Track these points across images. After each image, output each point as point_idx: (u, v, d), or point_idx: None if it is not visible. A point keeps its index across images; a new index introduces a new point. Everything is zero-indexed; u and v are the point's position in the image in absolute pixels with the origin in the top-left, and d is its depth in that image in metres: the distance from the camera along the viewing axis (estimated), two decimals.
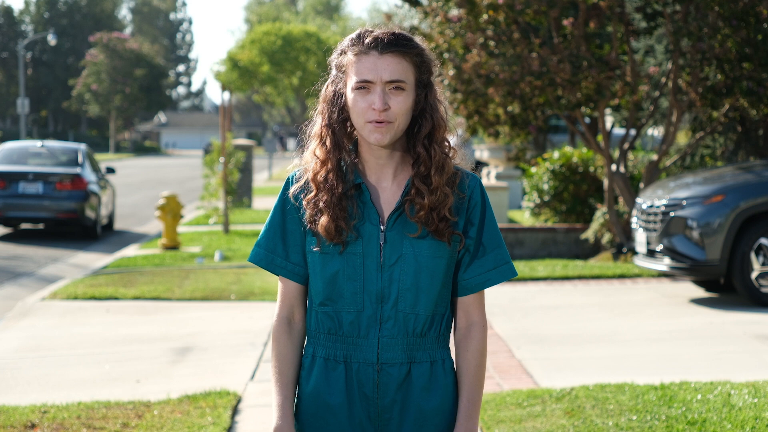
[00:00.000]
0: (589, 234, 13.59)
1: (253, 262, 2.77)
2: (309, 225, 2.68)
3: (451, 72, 12.82)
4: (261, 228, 2.77)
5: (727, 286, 10.51)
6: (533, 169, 16.11)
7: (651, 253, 10.39)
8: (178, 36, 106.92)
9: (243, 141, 25.63)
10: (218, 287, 11.56)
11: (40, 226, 18.88)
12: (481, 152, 25.54)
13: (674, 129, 12.81)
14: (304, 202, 2.69)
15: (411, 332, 2.66)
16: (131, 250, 16.00)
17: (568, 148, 16.27)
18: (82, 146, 19.12)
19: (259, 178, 41.16)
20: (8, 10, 79.87)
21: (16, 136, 58.69)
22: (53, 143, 19.60)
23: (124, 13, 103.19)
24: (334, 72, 2.70)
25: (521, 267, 12.27)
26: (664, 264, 10.17)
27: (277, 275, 2.75)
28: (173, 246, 15.69)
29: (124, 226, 20.81)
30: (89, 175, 18.01)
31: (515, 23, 12.37)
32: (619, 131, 21.58)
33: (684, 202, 10.05)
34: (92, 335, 9.22)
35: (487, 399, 6.31)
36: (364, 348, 2.66)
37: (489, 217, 2.71)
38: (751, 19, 11.68)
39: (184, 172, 45.22)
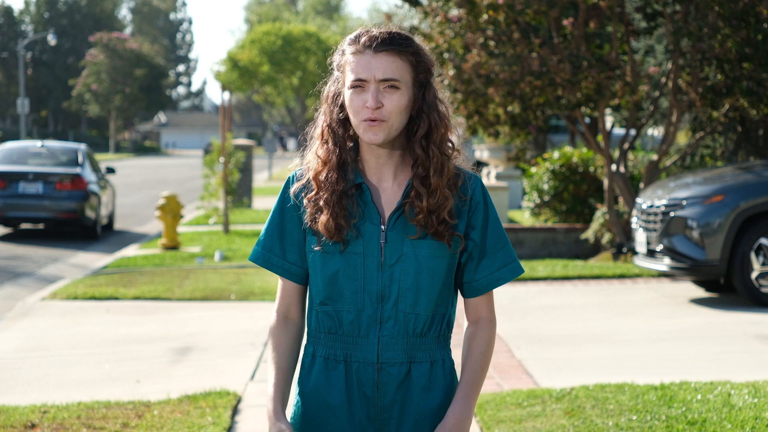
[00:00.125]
0: (589, 234, 13.59)
1: (251, 261, 2.79)
2: (309, 224, 2.69)
3: (451, 72, 12.82)
4: (261, 228, 2.78)
5: (727, 286, 10.51)
6: (533, 169, 16.11)
7: (651, 253, 10.40)
8: (178, 36, 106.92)
9: (243, 141, 25.63)
10: (218, 287, 11.56)
11: (40, 226, 18.88)
12: (481, 152, 25.53)
13: (674, 129, 12.81)
14: (305, 201, 2.70)
15: (411, 332, 2.67)
16: (131, 250, 16.00)
17: (568, 148, 16.27)
18: (82, 146, 19.12)
19: (259, 178, 41.17)
20: (8, 10, 79.88)
21: (16, 136, 58.70)
22: (53, 143, 19.60)
23: (124, 13, 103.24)
24: (335, 72, 2.71)
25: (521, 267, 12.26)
26: (664, 264, 10.17)
27: (275, 274, 2.76)
28: (173, 246, 15.69)
29: (124, 226, 20.81)
30: (89, 175, 18.01)
31: (515, 23, 12.37)
32: (619, 131, 21.58)
33: (684, 202, 10.05)
34: (92, 335, 9.22)
35: (487, 399, 6.31)
36: (364, 347, 2.67)
37: (493, 217, 2.72)
38: (751, 19, 11.69)
39: (184, 172, 45.23)
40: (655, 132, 23.08)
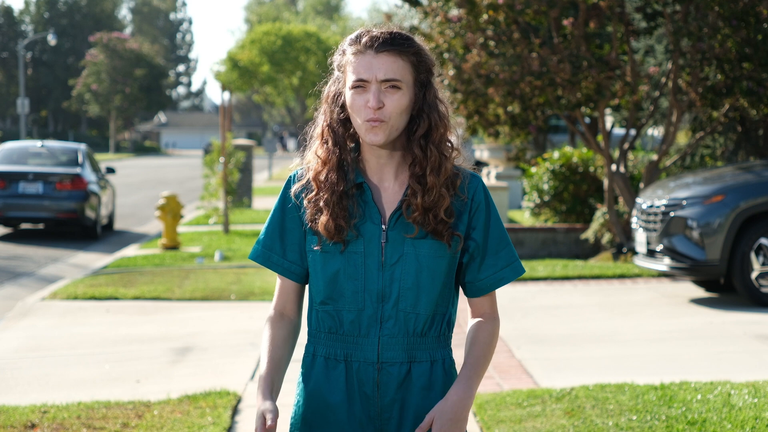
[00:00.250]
0: (589, 234, 13.59)
1: (251, 259, 2.80)
2: (309, 224, 2.69)
3: (451, 72, 12.82)
4: (261, 228, 2.78)
5: (727, 286, 10.51)
6: (533, 169, 16.11)
7: (651, 253, 10.40)
8: (178, 36, 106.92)
9: (243, 141, 25.63)
10: (218, 287, 11.56)
11: (40, 226, 18.88)
12: (481, 152, 25.53)
13: (674, 129, 12.81)
14: (305, 201, 2.70)
15: (411, 332, 2.67)
16: (131, 250, 16.00)
17: (568, 148, 16.27)
18: (82, 146, 19.12)
19: (259, 178, 41.17)
20: (8, 10, 79.88)
21: (16, 136, 58.69)
22: (53, 143, 19.60)
23: (124, 13, 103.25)
24: (336, 72, 2.72)
25: None
26: (664, 264, 10.18)
27: (274, 272, 2.76)
28: (173, 246, 15.69)
29: (124, 226, 20.81)
30: (89, 175, 18.01)
31: (515, 23, 12.37)
32: (619, 131, 21.58)
33: (684, 202, 10.05)
34: (92, 335, 9.22)
35: (487, 399, 6.31)
36: (365, 347, 2.67)
37: (494, 217, 2.73)
38: (751, 19, 11.69)
39: (184, 172, 45.23)
40: (655, 132, 23.08)
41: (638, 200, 10.86)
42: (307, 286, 2.80)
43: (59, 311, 10.43)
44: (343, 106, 2.69)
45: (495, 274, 2.72)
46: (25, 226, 18.98)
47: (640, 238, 10.58)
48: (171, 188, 31.13)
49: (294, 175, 2.77)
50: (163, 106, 77.21)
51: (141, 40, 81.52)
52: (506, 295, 10.52)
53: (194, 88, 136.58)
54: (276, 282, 2.80)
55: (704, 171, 11.41)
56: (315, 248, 2.69)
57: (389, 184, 2.70)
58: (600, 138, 14.85)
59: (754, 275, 9.80)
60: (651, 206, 10.38)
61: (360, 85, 2.62)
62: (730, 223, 9.81)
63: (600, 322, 9.30)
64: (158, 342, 8.80)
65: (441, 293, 2.68)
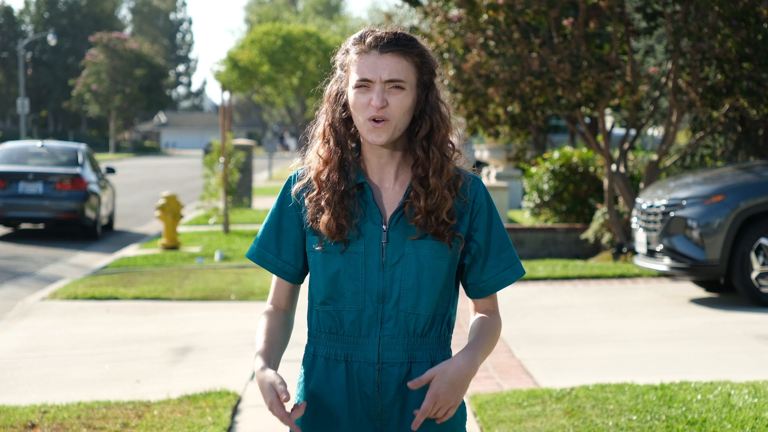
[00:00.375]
0: (589, 234, 13.59)
1: (247, 257, 2.81)
2: (310, 224, 2.69)
3: (451, 72, 12.82)
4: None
5: (727, 286, 10.51)
6: (533, 169, 16.11)
7: (651, 253, 10.40)
8: (178, 36, 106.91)
9: (243, 141, 25.63)
10: (218, 287, 11.56)
11: (40, 226, 18.88)
12: (481, 152, 25.53)
13: (674, 129, 12.81)
14: (306, 201, 2.70)
15: (412, 332, 2.67)
16: (131, 250, 16.00)
17: (568, 148, 16.27)
18: (82, 146, 19.12)
19: (259, 178, 41.17)
20: (8, 10, 79.88)
21: (16, 136, 58.69)
22: (53, 143, 19.60)
23: (124, 13, 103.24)
24: (338, 71, 2.72)
25: None
26: (664, 264, 10.18)
27: (268, 271, 2.77)
28: (173, 246, 15.69)
29: (124, 226, 20.81)
30: (89, 175, 18.01)
31: (515, 23, 12.37)
32: (619, 131, 21.58)
33: (684, 202, 10.05)
34: (92, 335, 9.22)
35: (487, 399, 6.31)
36: (365, 347, 2.67)
37: (496, 219, 2.73)
38: (751, 19, 11.69)
39: (184, 172, 45.23)
40: (655, 132, 23.08)
41: (638, 200, 10.86)
42: (301, 286, 2.81)
43: (59, 311, 10.43)
44: (345, 106, 2.69)
45: (497, 275, 2.73)
46: (25, 226, 18.98)
47: (640, 238, 10.58)
48: (171, 188, 31.13)
49: (294, 175, 2.77)
50: (163, 106, 77.21)
51: (141, 40, 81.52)
52: (506, 295, 10.52)
53: (194, 88, 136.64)
54: (272, 279, 2.82)
55: (704, 171, 11.41)
56: (316, 248, 2.69)
57: (390, 185, 2.70)
58: (600, 138, 14.85)
59: (754, 275, 9.80)
60: (651, 206, 10.38)
61: (363, 84, 2.62)
62: (730, 223, 9.82)
63: (600, 322, 9.30)
64: (158, 342, 8.80)
65: (441, 294, 2.68)
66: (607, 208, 13.16)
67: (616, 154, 14.31)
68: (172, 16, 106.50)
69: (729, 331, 8.60)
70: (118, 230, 20.09)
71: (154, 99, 72.68)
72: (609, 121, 18.18)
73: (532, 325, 9.07)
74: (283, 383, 2.52)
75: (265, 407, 6.42)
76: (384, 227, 2.67)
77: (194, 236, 17.52)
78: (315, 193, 2.69)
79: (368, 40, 2.64)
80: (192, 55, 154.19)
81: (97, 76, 69.79)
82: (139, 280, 12.27)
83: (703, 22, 11.55)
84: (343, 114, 2.70)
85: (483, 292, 2.73)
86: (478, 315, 2.75)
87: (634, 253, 11.53)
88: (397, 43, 2.63)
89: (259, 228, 3.41)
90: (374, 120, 2.61)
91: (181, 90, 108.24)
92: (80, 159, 18.34)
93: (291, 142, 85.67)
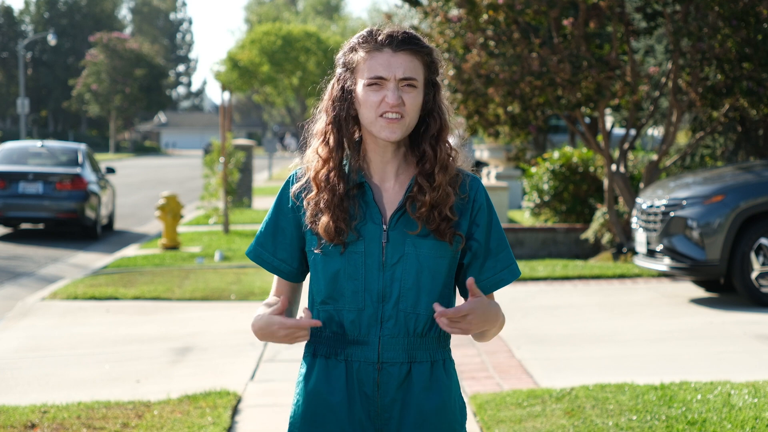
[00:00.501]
0: (589, 234, 13.59)
1: (246, 255, 2.83)
2: (310, 226, 2.69)
3: (451, 72, 12.82)
4: None
5: (727, 286, 10.51)
6: (533, 169, 16.11)
7: (651, 253, 10.40)
8: (178, 36, 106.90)
9: (243, 141, 25.63)
10: (218, 287, 11.56)
11: (40, 226, 18.88)
12: (481, 152, 25.54)
13: (674, 129, 12.81)
14: (305, 202, 2.70)
15: (412, 332, 2.67)
16: (131, 250, 16.00)
17: (568, 148, 16.27)
18: (82, 146, 19.12)
19: (259, 178, 41.16)
20: (8, 10, 79.87)
21: (16, 136, 58.68)
22: (53, 143, 19.60)
23: (124, 13, 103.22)
24: (340, 70, 2.70)
25: (521, 267, 12.27)
26: (664, 264, 10.17)
27: (265, 269, 2.79)
28: (173, 246, 15.69)
29: (124, 226, 20.81)
30: (89, 175, 18.01)
31: (515, 23, 12.37)
32: (619, 131, 21.57)
33: (684, 202, 10.05)
34: (92, 335, 9.22)
35: (487, 399, 6.31)
36: (365, 347, 2.67)
37: (495, 218, 2.74)
38: (751, 19, 11.69)
39: (184, 172, 45.23)
40: (655, 132, 23.08)
41: (638, 200, 10.86)
42: (303, 284, 2.81)
43: (59, 311, 10.43)
44: (348, 104, 2.68)
45: (494, 275, 2.73)
46: (25, 226, 18.98)
47: (640, 238, 10.58)
48: (171, 188, 31.12)
49: (293, 175, 2.77)
50: (163, 106, 77.20)
51: (141, 40, 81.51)
52: (506, 295, 10.52)
53: (194, 88, 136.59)
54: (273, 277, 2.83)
55: (704, 171, 11.41)
56: (315, 250, 2.69)
57: (390, 184, 2.70)
58: (600, 138, 14.84)
59: (754, 275, 9.80)
60: (651, 206, 10.38)
61: (376, 82, 2.62)
62: (730, 223, 9.81)
63: (600, 322, 9.30)
64: (158, 342, 8.80)
65: (441, 294, 2.68)
66: (607, 208, 13.16)
67: (616, 154, 14.31)
68: (172, 16, 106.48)
69: (729, 331, 8.60)
70: (118, 230, 20.09)
71: (154, 99, 72.67)
72: (609, 121, 18.18)
73: (532, 325, 9.07)
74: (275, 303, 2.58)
75: (265, 407, 6.42)
76: (384, 227, 2.67)
77: (194, 236, 17.52)
78: (314, 193, 2.69)
79: (380, 38, 2.64)
80: (192, 55, 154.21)
81: (97, 76, 69.79)
82: (139, 280, 12.27)
83: (703, 22, 11.55)
84: (345, 113, 2.69)
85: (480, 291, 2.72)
86: None
87: (634, 253, 11.53)
88: (410, 42, 2.64)
89: (259, 228, 3.41)
90: (388, 117, 2.61)
91: (181, 90, 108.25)
92: (80, 159, 18.34)
93: (292, 142, 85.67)
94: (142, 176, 40.26)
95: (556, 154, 15.79)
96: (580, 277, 11.75)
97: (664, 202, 10.21)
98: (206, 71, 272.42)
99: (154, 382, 7.32)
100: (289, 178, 2.77)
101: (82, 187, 17.51)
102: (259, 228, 2.81)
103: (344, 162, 2.69)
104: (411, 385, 2.68)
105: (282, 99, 74.06)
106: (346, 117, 2.69)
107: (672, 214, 10.07)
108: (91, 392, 6.91)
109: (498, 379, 7.01)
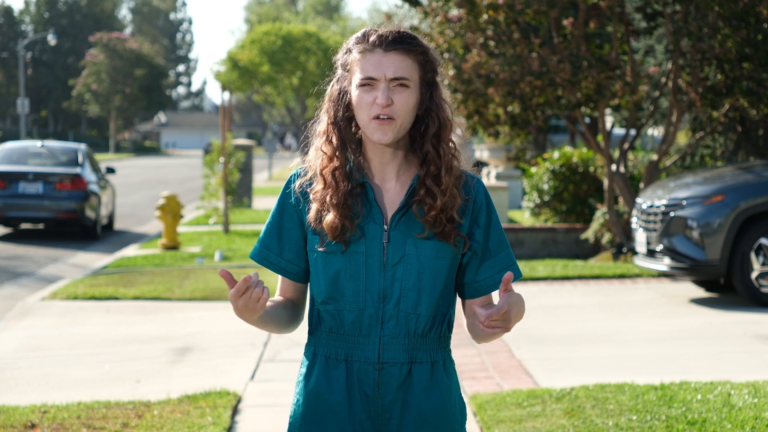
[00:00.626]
0: (589, 234, 13.59)
1: (251, 258, 2.80)
2: (312, 223, 2.69)
3: (451, 72, 12.82)
4: (260, 228, 2.78)
5: (727, 286, 10.51)
6: (533, 169, 16.11)
7: (651, 253, 10.40)
8: (178, 36, 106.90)
9: (243, 141, 25.63)
10: (218, 287, 11.56)
11: (40, 226, 18.88)
12: (481, 152, 25.53)
13: (674, 129, 12.81)
14: (310, 196, 2.69)
15: (412, 332, 2.67)
16: (131, 250, 16.00)
17: (568, 148, 16.27)
18: (82, 146, 19.12)
19: (259, 178, 41.16)
20: (8, 10, 79.87)
21: (16, 136, 58.68)
22: (53, 143, 19.60)
23: (124, 13, 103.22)
24: (339, 71, 2.71)
25: (521, 267, 12.27)
26: (664, 264, 10.17)
27: (272, 271, 2.77)
28: (173, 246, 15.69)
29: (124, 226, 20.81)
30: (89, 175, 18.01)
31: (515, 23, 12.37)
32: (619, 131, 21.57)
33: (684, 202, 10.05)
34: (92, 335, 9.22)
35: (487, 399, 6.31)
36: (366, 347, 2.67)
37: (495, 219, 2.73)
38: (751, 19, 11.69)
39: (184, 172, 45.23)
40: (655, 132, 23.08)
41: (638, 200, 10.86)
42: (308, 285, 2.80)
43: (59, 311, 10.42)
44: (347, 105, 2.68)
45: (493, 276, 2.72)
46: (25, 226, 18.98)
47: (640, 238, 10.58)
48: (171, 188, 31.12)
49: (296, 173, 2.76)
50: (163, 106, 77.20)
51: (141, 40, 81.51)
52: None
53: (194, 88, 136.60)
54: (278, 278, 2.81)
55: (704, 171, 11.41)
56: (317, 248, 2.69)
57: (391, 184, 2.70)
58: (600, 138, 14.84)
59: (754, 275, 9.80)
60: (651, 206, 10.38)
61: (368, 83, 2.62)
62: (730, 223, 9.82)
63: (600, 322, 9.30)
64: (158, 342, 8.80)
65: (442, 294, 2.68)
66: (607, 208, 13.16)
67: (616, 154, 14.31)
68: (172, 16, 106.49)
69: (729, 331, 8.60)
70: (118, 230, 20.09)
71: (154, 99, 72.67)
72: (609, 121, 18.18)
73: (532, 325, 9.07)
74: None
75: (265, 407, 6.43)
76: (385, 227, 2.67)
77: (194, 236, 17.52)
78: (321, 188, 2.68)
79: (372, 38, 2.64)
80: (192, 55, 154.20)
81: (97, 76, 69.79)
82: (139, 280, 12.27)
83: (703, 22, 11.55)
84: (345, 113, 2.69)
85: (477, 292, 2.72)
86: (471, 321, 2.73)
87: (634, 253, 11.53)
88: (402, 41, 2.63)
89: (260, 228, 3.41)
90: (379, 118, 2.61)
91: (181, 90, 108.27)
92: (80, 159, 18.34)
93: (293, 142, 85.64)
94: (142, 176, 40.26)
95: (556, 154, 15.79)
96: (580, 277, 11.75)
97: (664, 202, 10.21)
98: (206, 71, 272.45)
99: (154, 382, 7.32)
100: (291, 176, 2.76)
101: (82, 187, 17.51)
102: (261, 230, 2.80)
103: (347, 161, 2.69)
104: (411, 386, 2.67)
105: (282, 99, 74.03)
106: (345, 118, 2.69)
107: (672, 214, 10.07)
108: (91, 392, 6.91)
109: (498, 379, 7.01)
